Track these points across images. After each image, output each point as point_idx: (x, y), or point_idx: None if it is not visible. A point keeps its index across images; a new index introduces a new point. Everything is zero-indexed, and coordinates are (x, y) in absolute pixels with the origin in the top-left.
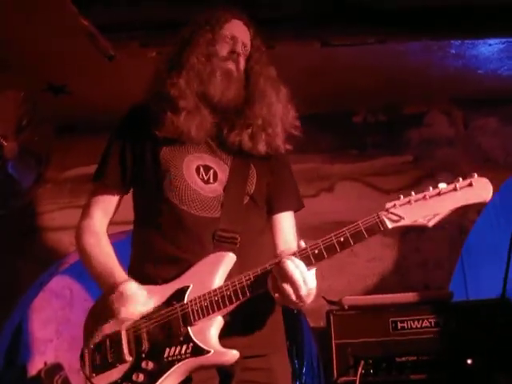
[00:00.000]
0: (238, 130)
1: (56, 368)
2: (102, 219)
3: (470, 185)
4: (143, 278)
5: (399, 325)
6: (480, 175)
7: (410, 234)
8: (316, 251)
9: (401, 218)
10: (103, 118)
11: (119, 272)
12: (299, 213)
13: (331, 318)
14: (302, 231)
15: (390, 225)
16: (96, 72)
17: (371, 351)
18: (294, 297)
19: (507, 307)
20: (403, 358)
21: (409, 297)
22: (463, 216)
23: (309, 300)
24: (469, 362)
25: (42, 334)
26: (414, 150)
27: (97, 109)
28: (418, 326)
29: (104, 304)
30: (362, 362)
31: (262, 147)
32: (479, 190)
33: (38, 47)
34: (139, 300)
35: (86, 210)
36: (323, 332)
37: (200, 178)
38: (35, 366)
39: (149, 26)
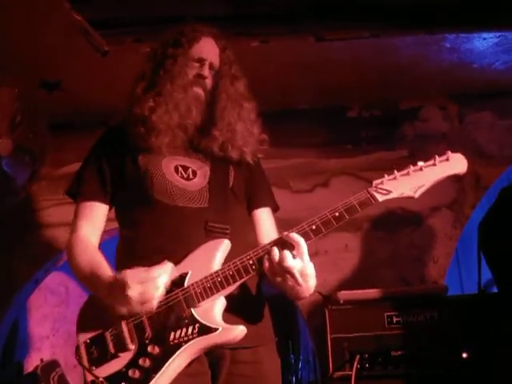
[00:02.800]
0: (207, 142)
1: (52, 364)
2: (91, 233)
3: (447, 159)
4: None
5: (394, 319)
6: (474, 168)
7: (405, 229)
8: (314, 227)
9: (389, 191)
10: (98, 114)
11: (107, 269)
12: (295, 207)
13: (326, 312)
14: None
15: (380, 198)
16: (90, 68)
17: (367, 345)
18: (299, 271)
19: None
20: (399, 352)
21: (404, 291)
22: (458, 211)
23: (310, 281)
24: (464, 355)
25: (39, 331)
26: (409, 145)
27: (91, 105)
28: (414, 320)
29: (97, 300)
30: (358, 357)
31: (234, 155)
32: (455, 163)
33: (31, 43)
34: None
35: (73, 227)
36: (319, 327)
37: (180, 176)
38: (31, 363)
39: (142, 22)
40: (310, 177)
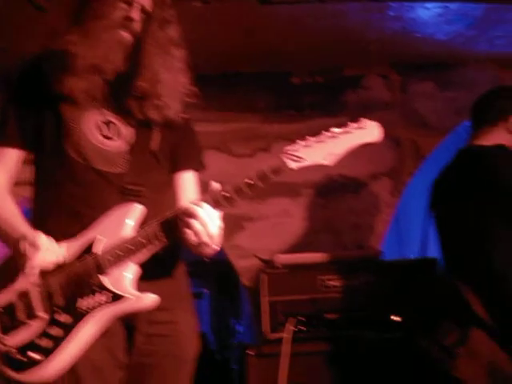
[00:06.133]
0: (127, 97)
1: None
2: (4, 178)
3: (362, 127)
4: (45, 234)
5: (328, 282)
6: (414, 138)
7: (344, 196)
8: (227, 194)
9: (302, 159)
10: None
11: (25, 226)
12: (236, 172)
13: (262, 276)
14: None
15: (293, 165)
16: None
17: (301, 308)
18: (204, 235)
19: (428, 266)
20: (332, 315)
21: (339, 255)
22: (396, 179)
23: (217, 241)
24: (395, 318)
25: None
26: (351, 112)
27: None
28: (348, 283)
29: (10, 262)
30: (293, 319)
31: (153, 116)
32: (370, 131)
33: None
34: (52, 248)
35: None
36: (257, 291)
37: (101, 133)
38: None
39: None
40: (252, 141)
